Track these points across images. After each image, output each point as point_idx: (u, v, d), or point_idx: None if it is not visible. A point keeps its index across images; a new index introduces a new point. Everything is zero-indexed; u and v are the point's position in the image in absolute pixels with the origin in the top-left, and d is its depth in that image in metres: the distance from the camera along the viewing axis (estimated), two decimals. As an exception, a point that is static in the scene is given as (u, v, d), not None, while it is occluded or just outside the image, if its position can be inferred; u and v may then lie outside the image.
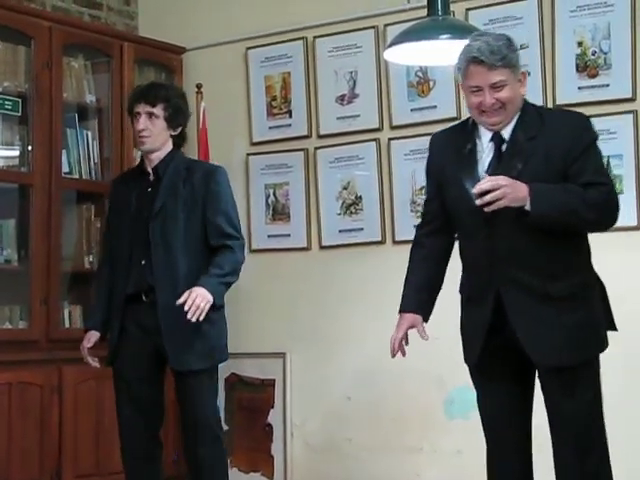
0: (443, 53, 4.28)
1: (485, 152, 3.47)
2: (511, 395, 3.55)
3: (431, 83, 5.45)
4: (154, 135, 4.39)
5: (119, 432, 4.44)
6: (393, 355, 3.71)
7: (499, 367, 3.52)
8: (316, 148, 5.77)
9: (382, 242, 5.55)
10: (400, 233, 5.49)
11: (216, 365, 4.45)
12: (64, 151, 5.43)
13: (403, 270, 5.40)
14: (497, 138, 3.46)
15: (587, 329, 3.43)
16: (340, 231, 5.69)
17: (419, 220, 5.28)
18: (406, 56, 4.37)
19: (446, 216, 3.62)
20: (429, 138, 5.27)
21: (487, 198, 3.27)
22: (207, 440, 4.35)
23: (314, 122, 5.79)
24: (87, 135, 5.59)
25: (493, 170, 3.40)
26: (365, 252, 5.61)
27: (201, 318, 4.18)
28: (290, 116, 5.88)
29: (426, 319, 3.73)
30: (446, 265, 3.72)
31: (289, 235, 5.84)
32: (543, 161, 3.38)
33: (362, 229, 5.62)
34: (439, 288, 3.75)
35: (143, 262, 4.34)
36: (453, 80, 5.33)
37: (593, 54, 5.02)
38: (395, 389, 5.44)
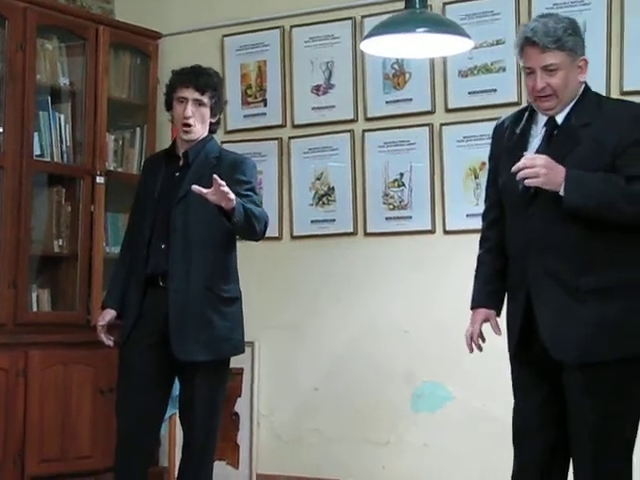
0: (419, 46, 4.27)
1: (537, 136, 3.43)
2: (539, 398, 3.44)
3: (407, 76, 5.45)
4: (198, 124, 4.33)
5: (117, 416, 4.34)
6: (471, 350, 3.61)
7: (534, 368, 3.43)
8: (290, 138, 5.76)
9: (354, 233, 5.55)
10: (372, 225, 5.49)
11: (223, 360, 4.34)
12: (36, 134, 5.38)
13: (374, 262, 5.47)
14: (550, 123, 3.41)
15: (616, 328, 3.28)
16: (312, 221, 5.68)
17: (391, 212, 5.41)
18: (382, 48, 4.36)
19: (502, 204, 3.57)
20: (403, 131, 5.40)
21: (520, 174, 3.24)
22: (202, 435, 4.27)
23: (289, 112, 5.77)
24: (60, 118, 5.55)
25: (541, 152, 3.34)
26: (337, 243, 5.60)
27: (224, 198, 3.98)
28: (265, 105, 5.86)
29: (498, 312, 3.62)
30: None
31: (261, 224, 5.82)
32: (591, 149, 3.31)
33: (334, 220, 5.62)
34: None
35: (163, 246, 4.28)
36: (429, 73, 5.34)
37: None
38: (363, 381, 5.44)
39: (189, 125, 4.33)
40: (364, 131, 5.53)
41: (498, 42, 5.17)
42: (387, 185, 5.46)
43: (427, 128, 5.34)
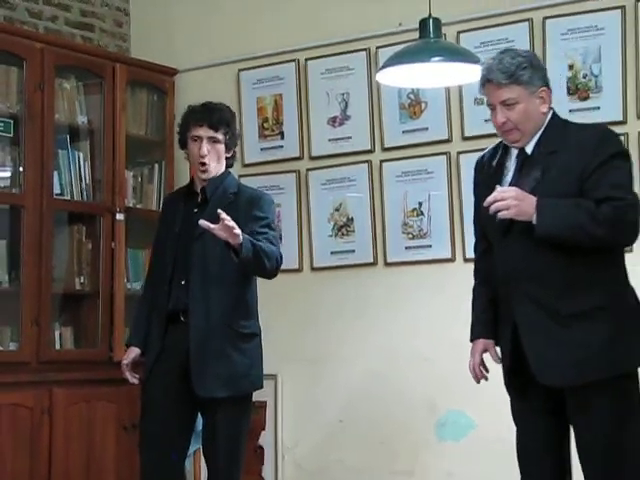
0: (435, 75, 4.30)
1: (511, 168, 3.52)
2: (543, 428, 3.49)
3: (423, 105, 5.46)
4: (214, 162, 4.35)
5: (140, 452, 4.34)
6: (478, 381, 3.70)
7: (533, 394, 3.48)
8: (308, 170, 5.78)
9: (374, 264, 5.55)
10: (391, 255, 5.49)
11: (243, 396, 4.32)
12: (56, 172, 5.42)
13: (394, 292, 5.47)
14: (521, 154, 3.50)
15: (599, 348, 3.31)
16: (332, 253, 5.69)
17: (410, 241, 5.42)
18: (398, 78, 4.38)
19: None
20: (420, 160, 5.40)
21: (492, 208, 3.31)
22: (224, 473, 4.26)
23: (306, 144, 5.79)
24: (79, 156, 5.58)
25: (513, 183, 3.44)
26: (357, 274, 5.60)
27: (230, 234, 3.99)
28: (282, 138, 5.88)
29: (497, 342, 3.65)
30: None
31: (281, 257, 5.83)
32: (560, 175, 3.38)
33: (354, 251, 5.62)
34: None
35: (183, 282, 4.30)
36: (445, 102, 5.35)
37: (584, 77, 5.04)
38: (387, 411, 5.43)
39: (205, 164, 4.34)
40: (381, 161, 5.54)
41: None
42: (406, 214, 5.47)
43: (444, 157, 5.35)
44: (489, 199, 3.34)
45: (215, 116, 4.36)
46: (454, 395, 5.22)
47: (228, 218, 3.95)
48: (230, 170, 4.50)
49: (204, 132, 4.33)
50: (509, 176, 3.51)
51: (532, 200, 3.30)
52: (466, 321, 5.08)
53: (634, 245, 3.60)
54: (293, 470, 5.73)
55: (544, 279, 3.37)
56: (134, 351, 4.44)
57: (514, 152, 3.53)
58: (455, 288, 5.26)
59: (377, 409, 5.46)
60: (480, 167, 3.72)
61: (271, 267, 4.25)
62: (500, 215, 3.32)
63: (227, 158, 4.44)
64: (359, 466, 5.50)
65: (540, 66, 3.52)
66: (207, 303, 4.25)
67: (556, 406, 3.44)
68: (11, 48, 5.29)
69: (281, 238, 5.59)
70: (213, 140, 4.35)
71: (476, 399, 5.10)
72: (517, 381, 3.50)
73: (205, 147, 4.33)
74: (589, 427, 3.35)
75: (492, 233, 3.55)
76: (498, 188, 3.37)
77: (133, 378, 4.43)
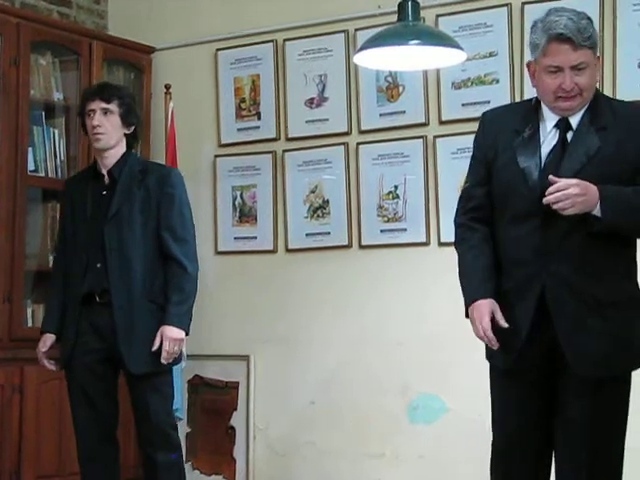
0: (413, 58, 4.28)
1: (548, 137, 3.27)
2: (533, 412, 3.33)
3: (400, 88, 5.45)
4: (109, 132, 4.39)
5: (75, 434, 4.44)
6: (496, 346, 3.25)
7: (529, 378, 3.30)
8: (284, 151, 5.76)
9: (349, 246, 5.55)
10: (366, 238, 5.49)
11: (171, 368, 4.45)
12: (30, 149, 5.39)
13: (368, 274, 5.47)
14: (563, 124, 3.25)
15: (630, 340, 3.23)
16: (307, 234, 5.68)
17: (385, 225, 5.41)
18: (376, 61, 4.37)
19: (491, 206, 3.38)
20: (397, 143, 5.40)
21: (551, 199, 3.10)
22: (162, 444, 4.36)
23: (282, 125, 5.77)
24: (54, 133, 5.55)
25: (556, 159, 3.22)
26: (331, 256, 5.60)
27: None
28: (259, 118, 5.87)
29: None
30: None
31: (255, 237, 5.83)
32: (612, 156, 3.19)
33: (329, 233, 5.62)
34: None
35: (99, 265, 4.34)
36: (422, 85, 5.34)
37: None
38: (359, 394, 5.44)
39: (97, 133, 4.38)
40: (358, 144, 5.54)
41: (491, 54, 5.19)
42: (381, 197, 5.47)
43: (421, 140, 5.35)
44: (551, 189, 3.09)
45: (107, 90, 4.47)
46: (427, 379, 5.24)
47: (164, 356, 4.27)
48: (132, 151, 4.55)
49: (96, 105, 4.40)
50: (548, 147, 3.25)
51: (594, 191, 3.10)
52: (439, 305, 5.14)
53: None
54: (264, 451, 5.73)
55: (580, 263, 3.18)
56: (50, 338, 4.47)
57: (549, 120, 3.27)
58: (429, 272, 5.28)
59: (349, 391, 5.47)
60: (495, 128, 3.39)
61: (193, 280, 4.42)
62: (562, 212, 3.11)
63: (127, 135, 4.47)
64: (330, 448, 5.51)
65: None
66: (129, 282, 4.32)
67: (544, 390, 3.32)
68: (-14, 23, 5.25)
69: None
70: (105, 111, 4.39)
71: (449, 383, 5.13)
72: (525, 363, 3.26)
73: (97, 118, 4.38)
74: (600, 414, 3.23)
75: (521, 205, 3.25)
76: (560, 180, 3.10)
77: (50, 365, 4.49)
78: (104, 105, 4.38)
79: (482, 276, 3.34)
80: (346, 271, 5.54)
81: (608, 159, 3.19)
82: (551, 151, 3.25)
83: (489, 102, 5.11)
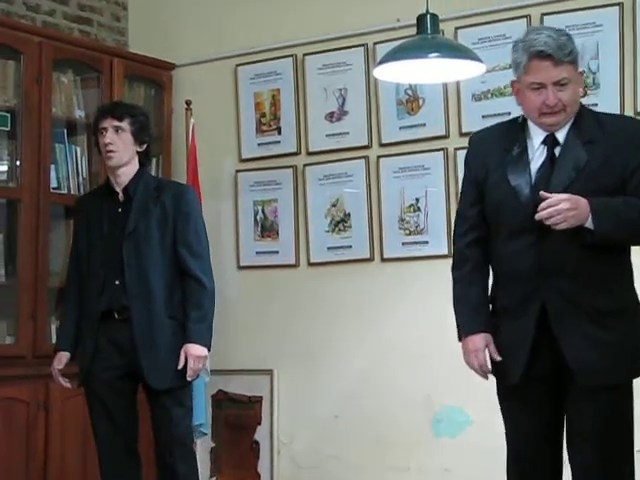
0: (432, 71, 4.29)
1: (536, 154, 3.32)
2: (544, 425, 3.37)
3: (420, 101, 5.46)
4: (121, 149, 4.40)
5: (97, 449, 4.45)
6: (487, 378, 3.46)
7: (537, 392, 3.35)
8: (305, 165, 5.77)
9: (370, 259, 5.55)
10: (388, 250, 5.49)
11: (191, 382, 4.46)
12: (53, 166, 5.42)
13: (390, 288, 5.46)
14: (550, 140, 3.31)
15: (632, 348, 3.27)
16: (328, 248, 5.68)
17: (407, 237, 5.41)
18: (395, 74, 4.38)
19: (486, 224, 3.44)
20: (418, 156, 5.40)
21: (543, 214, 3.14)
22: (183, 455, 4.39)
23: (303, 139, 5.79)
24: (76, 150, 5.58)
25: (546, 175, 3.26)
26: (353, 269, 5.60)
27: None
28: (279, 133, 5.88)
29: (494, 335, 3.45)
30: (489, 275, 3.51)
31: (277, 252, 5.84)
32: (600, 170, 3.23)
33: (350, 246, 5.62)
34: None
35: (117, 282, 4.36)
36: (442, 98, 5.35)
37: (582, 74, 5.03)
38: (383, 407, 5.43)
39: (110, 151, 4.40)
40: (379, 157, 5.54)
41: (511, 65, 5.17)
42: (403, 210, 5.47)
43: (442, 153, 5.35)
44: (543, 205, 3.14)
45: (119, 108, 4.50)
46: (450, 391, 5.23)
47: (190, 374, 4.33)
48: (146, 168, 4.57)
49: (108, 123, 4.42)
50: (537, 163, 3.30)
51: (585, 204, 3.15)
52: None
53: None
54: (288, 465, 5.73)
55: (578, 275, 3.23)
56: (65, 355, 4.51)
57: (536, 136, 3.33)
58: (451, 284, 5.26)
59: (373, 405, 5.46)
60: (484, 147, 3.47)
61: (211, 296, 4.43)
62: (557, 228, 3.15)
63: (139, 153, 4.49)
64: (354, 462, 5.50)
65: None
66: (148, 297, 4.33)
67: (553, 403, 3.37)
68: (9, 41, 5.28)
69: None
70: (117, 129, 4.41)
71: (472, 395, 5.10)
72: (530, 378, 3.31)
73: (109, 136, 4.40)
74: (595, 411, 3.26)
75: (511, 223, 3.31)
76: (544, 194, 3.15)
77: (66, 383, 4.52)
78: (116, 123, 4.40)
79: (474, 307, 3.46)
80: (368, 284, 5.54)
81: (596, 172, 3.24)
82: (540, 167, 3.31)
83: (509, 113, 5.08)
